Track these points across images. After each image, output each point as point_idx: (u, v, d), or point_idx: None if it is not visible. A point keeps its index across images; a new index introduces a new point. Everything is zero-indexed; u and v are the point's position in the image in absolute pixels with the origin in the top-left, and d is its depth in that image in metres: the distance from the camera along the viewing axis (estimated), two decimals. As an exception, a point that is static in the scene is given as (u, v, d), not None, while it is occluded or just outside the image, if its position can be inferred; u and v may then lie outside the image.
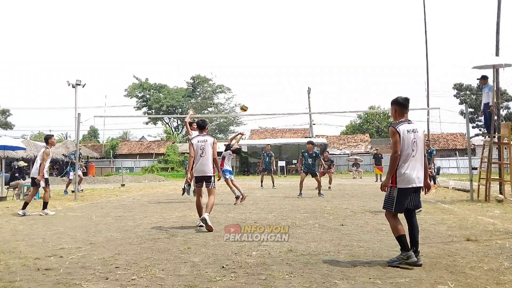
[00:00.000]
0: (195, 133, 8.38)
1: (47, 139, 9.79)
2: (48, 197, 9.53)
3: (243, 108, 11.49)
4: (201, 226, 6.84)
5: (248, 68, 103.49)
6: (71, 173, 13.87)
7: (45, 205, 9.32)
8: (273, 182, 17.41)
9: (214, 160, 7.15)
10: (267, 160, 17.25)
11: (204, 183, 7.12)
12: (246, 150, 36.59)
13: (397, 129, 4.51)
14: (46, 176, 9.50)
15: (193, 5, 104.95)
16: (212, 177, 7.14)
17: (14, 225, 7.70)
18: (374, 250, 5.11)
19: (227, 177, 10.77)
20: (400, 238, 4.49)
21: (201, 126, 7.42)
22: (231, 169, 11.30)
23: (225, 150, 11.25)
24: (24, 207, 9.15)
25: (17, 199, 13.34)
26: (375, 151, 23.87)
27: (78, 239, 6.12)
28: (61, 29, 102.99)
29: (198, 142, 7.13)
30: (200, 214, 7.00)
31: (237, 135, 12.55)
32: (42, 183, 9.46)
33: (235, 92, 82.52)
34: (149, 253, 5.14)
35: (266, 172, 17.52)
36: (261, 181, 17.44)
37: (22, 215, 8.93)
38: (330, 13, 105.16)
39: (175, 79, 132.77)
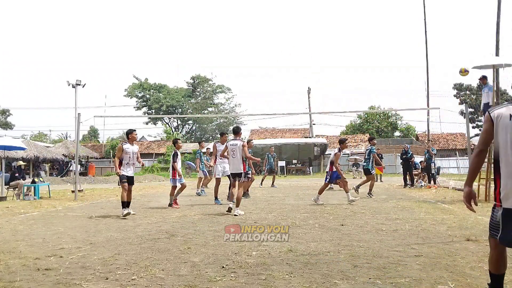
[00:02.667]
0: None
1: (128, 134, 9.14)
2: (124, 196, 8.66)
3: (463, 72, 10.99)
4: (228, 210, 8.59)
5: (248, 68, 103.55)
6: (205, 170, 14.28)
7: (122, 204, 8.62)
8: (273, 182, 17.75)
9: (249, 158, 8.94)
10: (271, 161, 17.43)
11: (237, 178, 8.70)
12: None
13: (492, 114, 3.07)
14: (123, 172, 8.79)
15: (193, 5, 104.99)
16: (242, 173, 8.70)
17: (14, 225, 7.70)
18: (374, 250, 5.10)
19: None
20: (496, 277, 3.22)
21: (235, 132, 8.87)
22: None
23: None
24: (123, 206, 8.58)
25: (17, 199, 13.34)
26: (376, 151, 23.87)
27: (78, 239, 6.12)
28: (61, 29, 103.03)
29: (231, 145, 8.71)
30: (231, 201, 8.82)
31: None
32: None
33: (235, 92, 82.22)
34: (149, 253, 5.14)
35: (269, 173, 17.69)
36: (262, 181, 17.65)
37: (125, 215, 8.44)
38: (330, 13, 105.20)
39: (175, 79, 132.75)
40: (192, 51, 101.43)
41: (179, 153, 10.56)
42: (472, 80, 55.14)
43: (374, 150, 12.77)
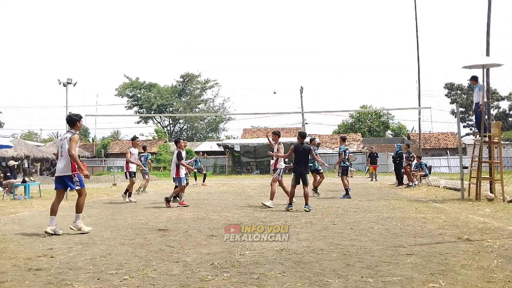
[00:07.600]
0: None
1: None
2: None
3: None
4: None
5: (241, 67, 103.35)
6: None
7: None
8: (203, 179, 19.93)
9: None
10: (199, 164, 20.40)
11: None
12: (239, 149, 36.57)
13: None
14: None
15: (186, 5, 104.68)
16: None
17: (4, 225, 7.62)
18: (366, 249, 5.13)
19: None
20: None
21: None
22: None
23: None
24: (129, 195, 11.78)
25: (7, 198, 13.20)
26: (370, 150, 23.97)
27: (69, 239, 6.07)
28: (52, 28, 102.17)
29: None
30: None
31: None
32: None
33: (227, 92, 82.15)
34: (141, 253, 5.12)
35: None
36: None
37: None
38: (322, 13, 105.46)
39: (166, 77, 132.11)
40: (185, 51, 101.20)
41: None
42: (463, 79, 55.58)
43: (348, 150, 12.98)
